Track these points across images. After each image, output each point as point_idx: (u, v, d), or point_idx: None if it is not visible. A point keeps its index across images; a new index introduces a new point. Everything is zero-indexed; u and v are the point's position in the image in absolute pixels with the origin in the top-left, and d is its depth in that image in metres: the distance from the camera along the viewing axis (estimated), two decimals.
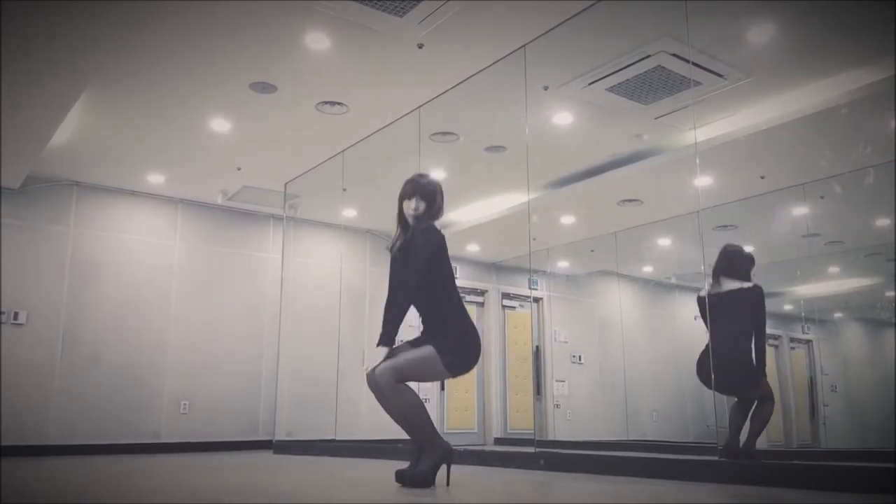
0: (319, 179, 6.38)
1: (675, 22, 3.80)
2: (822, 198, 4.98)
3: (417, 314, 3.15)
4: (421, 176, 3.22)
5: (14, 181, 6.05)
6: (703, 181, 4.16)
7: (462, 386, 7.44)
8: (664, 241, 6.68)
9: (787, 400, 5.54)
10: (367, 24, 3.99)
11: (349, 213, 7.21)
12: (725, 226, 5.20)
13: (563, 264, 7.62)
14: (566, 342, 7.39)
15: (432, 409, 6.21)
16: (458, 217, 6.40)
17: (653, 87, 4.45)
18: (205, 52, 4.34)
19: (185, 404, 6.73)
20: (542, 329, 7.41)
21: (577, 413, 7.17)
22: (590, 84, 4.49)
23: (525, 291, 7.77)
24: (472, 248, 7.57)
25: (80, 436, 6.16)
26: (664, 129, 4.92)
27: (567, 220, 6.76)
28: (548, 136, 5.23)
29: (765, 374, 3.84)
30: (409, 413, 2.93)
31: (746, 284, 3.91)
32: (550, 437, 6.92)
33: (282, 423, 6.75)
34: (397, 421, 2.99)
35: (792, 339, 5.63)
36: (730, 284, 3.92)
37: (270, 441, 6.63)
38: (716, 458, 3.28)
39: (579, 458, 3.81)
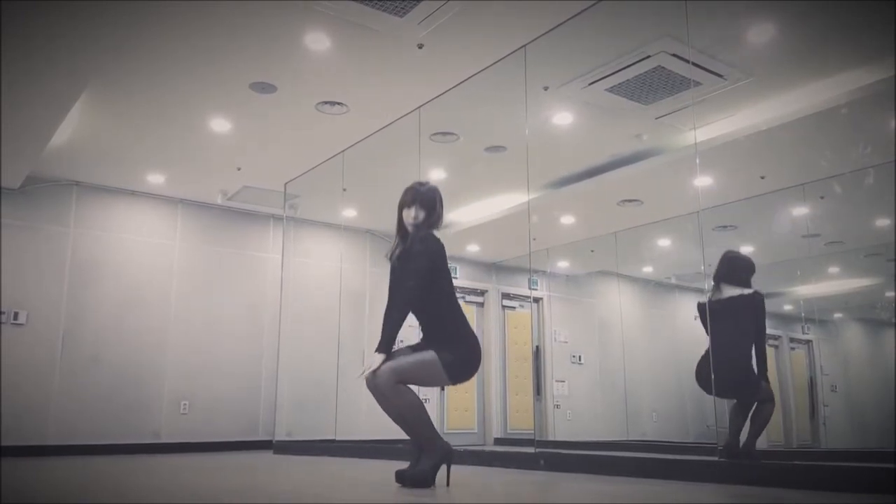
0: (319, 179, 6.38)
1: (675, 22, 3.80)
2: (822, 198, 4.98)
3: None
4: (421, 184, 3.20)
5: (14, 181, 6.05)
6: (703, 181, 4.16)
7: (462, 386, 7.35)
8: (664, 242, 6.68)
9: (787, 400, 5.54)
10: (367, 24, 3.99)
11: (349, 213, 7.21)
12: (725, 226, 5.20)
13: (563, 264, 7.61)
14: (566, 342, 7.39)
15: (432, 410, 6.20)
16: (458, 217, 6.40)
17: (653, 87, 4.45)
18: (205, 52, 4.34)
19: (185, 404, 6.73)
20: (542, 329, 7.40)
21: (577, 413, 7.17)
22: (590, 84, 4.49)
23: (525, 291, 7.77)
24: (472, 249, 7.57)
25: (80, 436, 6.16)
26: (664, 129, 4.92)
27: (567, 220, 6.76)
28: (548, 137, 5.23)
29: (766, 378, 3.85)
30: (409, 413, 2.93)
31: (747, 291, 3.92)
32: (550, 438, 6.92)
33: (282, 423, 6.74)
34: (397, 421, 2.99)
35: (792, 340, 5.63)
36: (730, 291, 3.93)
37: (270, 441, 6.63)
38: (716, 459, 3.27)
39: (579, 458, 3.81)
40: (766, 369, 3.84)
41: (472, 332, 3.11)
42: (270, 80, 4.71)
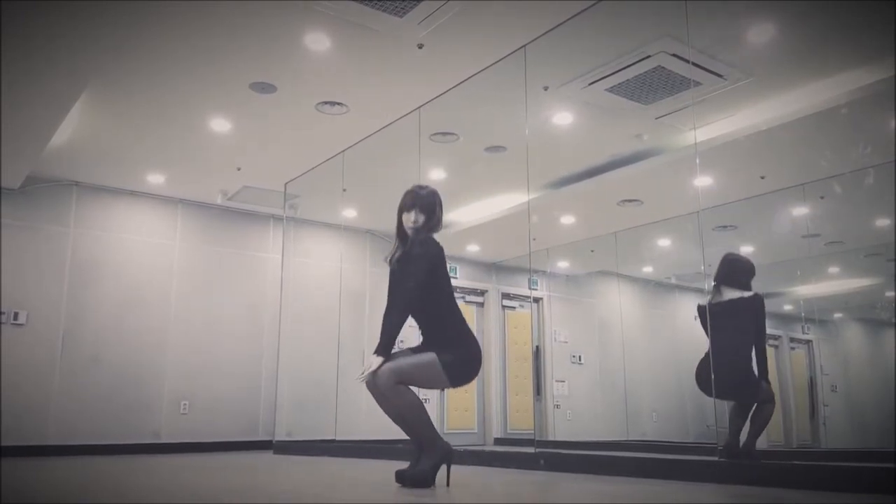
0: (319, 179, 6.38)
1: (675, 22, 3.80)
2: (822, 198, 4.98)
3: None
4: (420, 188, 3.20)
5: (14, 181, 6.05)
6: (703, 181, 4.16)
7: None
8: (664, 242, 6.68)
9: (787, 400, 5.54)
10: (367, 24, 3.99)
11: (349, 214, 7.21)
12: (725, 226, 5.20)
13: (562, 264, 7.61)
14: (566, 342, 7.39)
15: (432, 410, 6.20)
16: (457, 217, 6.40)
17: (653, 87, 4.45)
18: (205, 52, 4.34)
19: (185, 404, 6.73)
20: (542, 329, 7.40)
21: (577, 413, 7.17)
22: (590, 84, 4.49)
23: (525, 291, 7.77)
24: (472, 248, 7.57)
25: (80, 436, 6.16)
26: (664, 129, 4.92)
27: (567, 220, 6.76)
28: (548, 137, 5.23)
29: (767, 379, 3.85)
30: (409, 413, 2.93)
31: (747, 293, 3.92)
32: (550, 438, 6.92)
33: (282, 424, 6.74)
34: (397, 421, 2.99)
35: (792, 340, 5.63)
36: (730, 294, 3.93)
37: (270, 441, 6.63)
38: (716, 459, 3.27)
39: (579, 458, 3.81)
40: (766, 370, 3.84)
41: (473, 336, 3.11)
42: (270, 80, 4.71)
